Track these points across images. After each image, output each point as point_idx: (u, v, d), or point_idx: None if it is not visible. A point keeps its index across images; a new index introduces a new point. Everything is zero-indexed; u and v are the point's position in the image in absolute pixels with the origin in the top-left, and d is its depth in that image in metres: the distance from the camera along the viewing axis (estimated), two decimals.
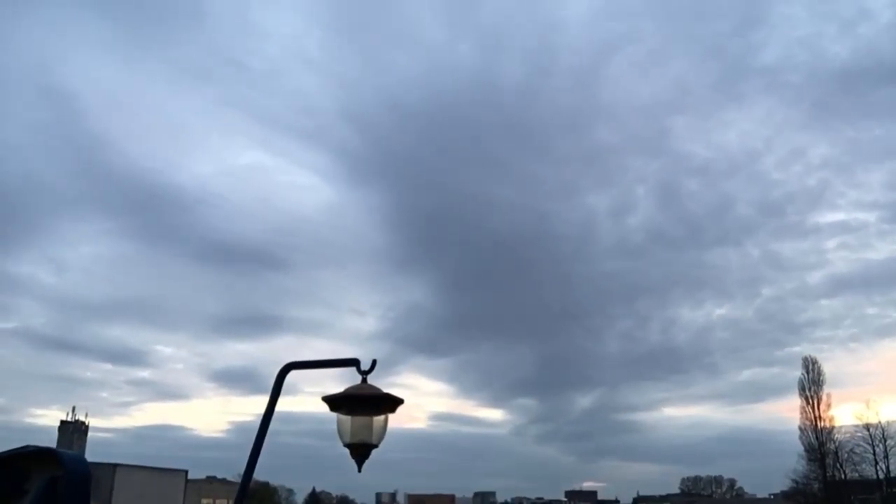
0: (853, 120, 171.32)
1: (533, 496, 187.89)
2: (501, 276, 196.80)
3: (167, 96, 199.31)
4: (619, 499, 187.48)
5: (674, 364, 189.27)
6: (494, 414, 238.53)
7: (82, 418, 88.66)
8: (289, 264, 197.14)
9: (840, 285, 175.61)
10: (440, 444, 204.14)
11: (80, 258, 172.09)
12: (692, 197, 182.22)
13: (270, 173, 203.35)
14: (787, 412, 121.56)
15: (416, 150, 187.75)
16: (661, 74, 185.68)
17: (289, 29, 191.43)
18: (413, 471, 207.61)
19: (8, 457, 3.17)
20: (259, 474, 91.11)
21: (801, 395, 69.35)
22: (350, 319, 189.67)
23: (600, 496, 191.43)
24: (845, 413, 71.35)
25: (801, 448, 68.82)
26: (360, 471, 4.69)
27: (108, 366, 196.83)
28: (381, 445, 4.78)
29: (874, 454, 65.48)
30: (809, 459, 68.43)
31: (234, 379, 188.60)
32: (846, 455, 67.12)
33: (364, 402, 4.63)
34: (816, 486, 69.49)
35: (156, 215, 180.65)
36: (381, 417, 4.71)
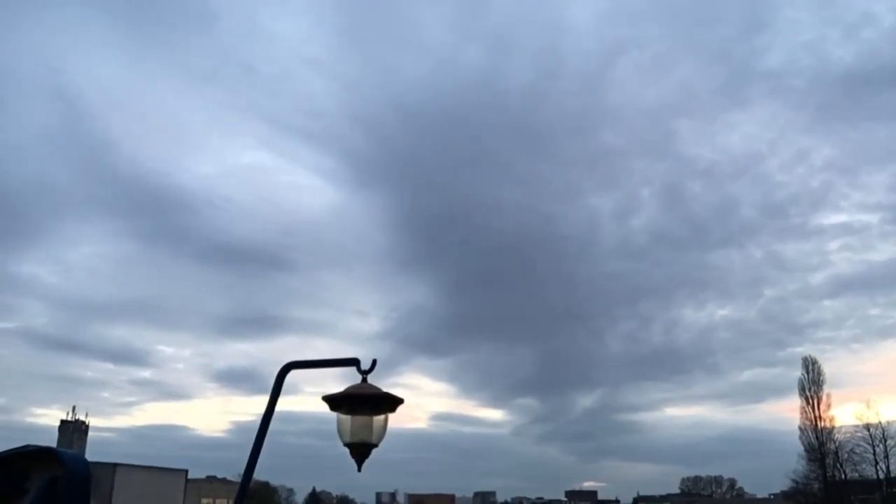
0: (856, 123, 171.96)
1: (533, 496, 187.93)
2: (504, 276, 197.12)
3: (173, 98, 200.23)
4: (619, 499, 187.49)
5: (675, 364, 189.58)
6: (495, 414, 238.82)
7: (82, 418, 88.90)
8: (293, 265, 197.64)
9: (842, 286, 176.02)
10: (441, 443, 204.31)
11: (83, 258, 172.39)
12: (696, 199, 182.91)
13: (275, 174, 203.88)
14: (787, 412, 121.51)
15: (421, 151, 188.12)
16: (667, 78, 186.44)
17: (296, 32, 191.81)
18: (413, 471, 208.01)
19: (8, 456, 3.17)
20: (259, 474, 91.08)
21: (801, 395, 69.42)
22: (353, 320, 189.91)
23: (600, 496, 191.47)
24: (846, 413, 71.41)
25: (801, 448, 68.90)
26: (359, 470, 4.69)
27: (111, 366, 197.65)
28: (381, 445, 4.78)
29: (874, 454, 65.53)
30: (809, 459, 68.45)
31: (236, 379, 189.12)
32: (846, 455, 67.17)
33: (364, 402, 4.64)
34: (816, 486, 69.48)
35: (160, 216, 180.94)
36: (381, 417, 4.71)
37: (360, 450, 4.67)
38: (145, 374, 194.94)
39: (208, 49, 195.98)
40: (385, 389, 4.68)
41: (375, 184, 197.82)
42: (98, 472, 66.08)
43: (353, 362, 4.72)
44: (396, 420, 4.97)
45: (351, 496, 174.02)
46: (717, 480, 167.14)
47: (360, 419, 4.66)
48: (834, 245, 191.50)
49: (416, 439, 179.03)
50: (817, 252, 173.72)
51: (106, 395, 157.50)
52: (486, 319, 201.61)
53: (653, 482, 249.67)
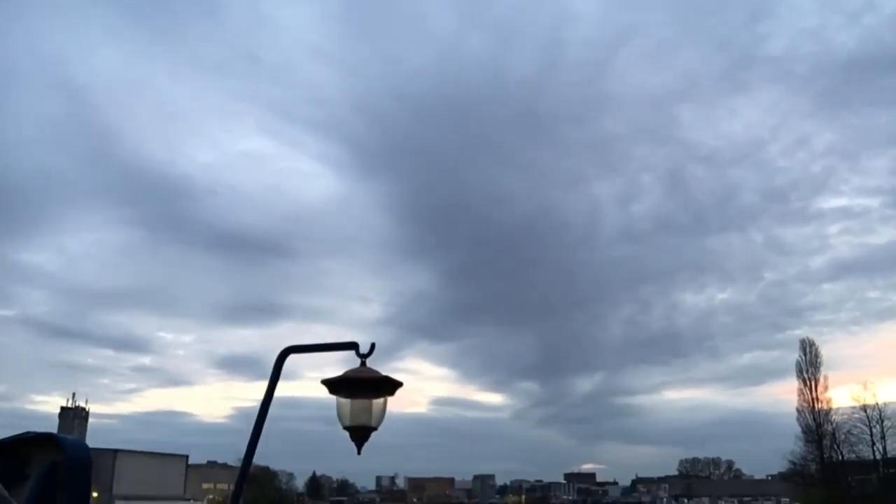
0: (858, 108, 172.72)
1: (532, 479, 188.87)
2: (507, 263, 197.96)
3: (176, 87, 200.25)
4: (617, 480, 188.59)
5: (675, 348, 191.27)
6: (496, 398, 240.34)
7: (82, 405, 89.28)
8: (295, 252, 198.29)
9: (842, 269, 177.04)
10: (441, 428, 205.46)
11: (85, 246, 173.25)
12: (698, 184, 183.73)
13: (278, 163, 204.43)
14: (785, 395, 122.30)
15: (424, 140, 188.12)
16: (670, 65, 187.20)
17: (300, 21, 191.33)
18: (414, 455, 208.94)
19: (9, 443, 3.17)
20: (260, 459, 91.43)
21: (798, 377, 69.68)
22: (355, 306, 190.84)
23: (599, 478, 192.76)
24: (843, 395, 71.71)
25: (798, 430, 69.26)
26: (359, 453, 4.71)
27: (113, 353, 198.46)
28: (381, 429, 4.80)
29: (871, 435, 65.87)
30: (807, 441, 68.81)
31: (238, 365, 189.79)
32: (843, 436, 67.53)
33: (363, 385, 4.65)
34: (814, 467, 69.89)
35: (163, 205, 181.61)
36: (381, 400, 4.73)
37: (360, 433, 4.69)
38: (147, 360, 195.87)
39: (212, 38, 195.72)
40: (387, 374, 4.69)
41: (379, 172, 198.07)
42: (99, 457, 66.32)
43: (351, 346, 4.72)
44: (396, 404, 4.99)
45: (351, 480, 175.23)
46: (715, 462, 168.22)
47: (360, 402, 4.67)
48: (834, 229, 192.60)
49: (416, 423, 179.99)
50: (817, 236, 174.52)
51: (106, 381, 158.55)
52: (487, 305, 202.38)
53: (651, 464, 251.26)
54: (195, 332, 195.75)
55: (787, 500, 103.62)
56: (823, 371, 69.21)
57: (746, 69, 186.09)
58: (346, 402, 4.70)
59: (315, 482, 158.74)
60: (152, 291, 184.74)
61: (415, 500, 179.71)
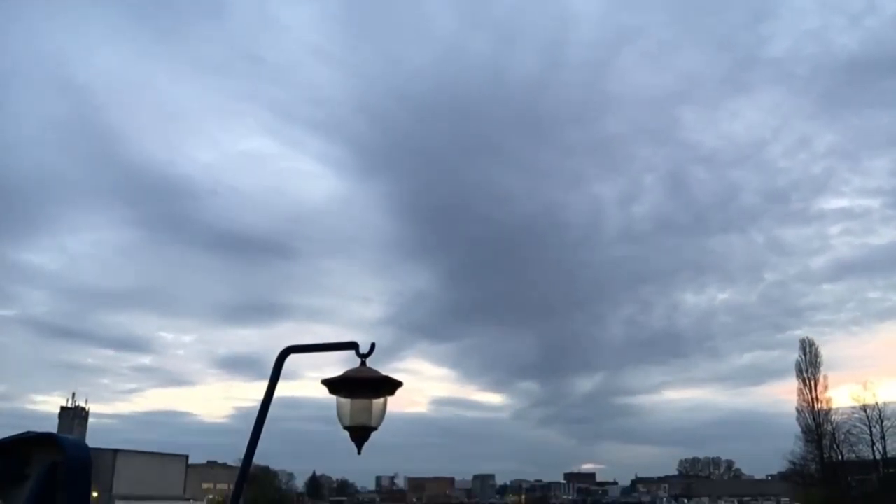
0: (859, 109, 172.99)
1: (532, 479, 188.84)
2: (507, 263, 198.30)
3: (178, 88, 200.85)
4: (617, 480, 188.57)
5: (675, 348, 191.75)
6: (496, 398, 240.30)
7: (82, 404, 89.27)
8: (296, 252, 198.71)
9: (843, 270, 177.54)
10: (441, 428, 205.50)
11: (86, 247, 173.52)
12: (699, 185, 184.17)
13: (279, 163, 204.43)
14: (785, 395, 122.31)
15: (425, 140, 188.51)
16: (672, 66, 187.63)
17: (302, 22, 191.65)
18: (414, 455, 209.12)
19: (9, 443, 3.17)
20: (260, 459, 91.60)
21: (798, 377, 69.65)
22: (356, 306, 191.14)
23: (599, 478, 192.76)
24: (843, 395, 71.68)
25: (798, 430, 69.23)
26: (359, 453, 4.71)
27: (113, 353, 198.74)
28: (381, 429, 4.81)
29: (871, 435, 65.79)
30: (807, 441, 68.77)
31: (239, 365, 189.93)
32: (843, 436, 67.49)
33: (363, 385, 4.65)
34: (813, 466, 69.86)
35: (165, 205, 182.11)
36: (381, 400, 4.73)
37: (360, 433, 4.69)
38: (147, 360, 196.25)
39: (215, 38, 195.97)
40: (387, 374, 4.69)
41: (379, 172, 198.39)
42: (99, 457, 66.32)
43: (351, 346, 4.72)
44: (397, 404, 4.99)
45: (351, 480, 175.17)
46: (715, 462, 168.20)
47: (360, 402, 4.67)
48: (835, 229, 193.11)
49: (416, 423, 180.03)
50: (818, 236, 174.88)
51: (106, 381, 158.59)
52: (488, 305, 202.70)
53: (651, 464, 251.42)
54: (196, 332, 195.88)
55: (787, 500, 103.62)
56: (823, 371, 69.27)
57: (748, 70, 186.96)
58: (346, 401, 4.70)
59: (315, 482, 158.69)
60: (153, 291, 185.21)
61: (415, 500, 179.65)
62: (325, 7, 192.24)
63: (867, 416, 66.04)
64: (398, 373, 4.82)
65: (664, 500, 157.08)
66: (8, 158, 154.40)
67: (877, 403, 66.13)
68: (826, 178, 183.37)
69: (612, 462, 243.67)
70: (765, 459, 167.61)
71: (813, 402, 68.12)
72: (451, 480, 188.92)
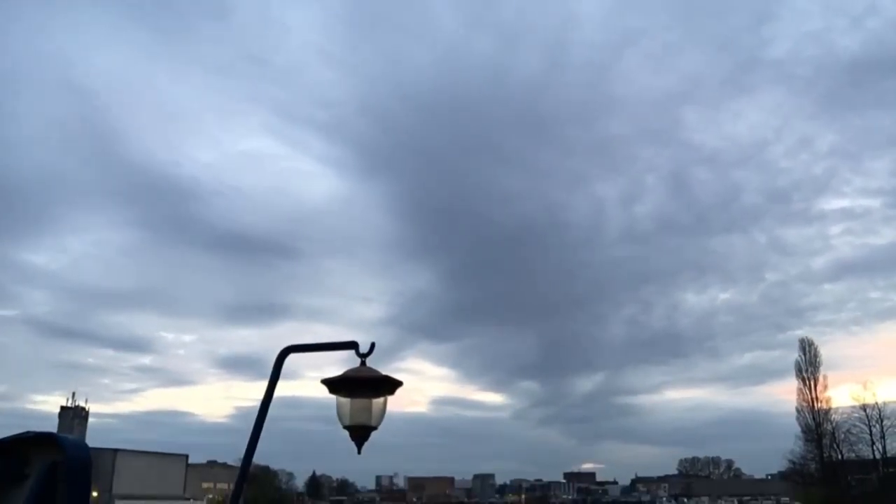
0: (860, 110, 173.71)
1: (532, 478, 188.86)
2: (509, 263, 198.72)
3: (183, 89, 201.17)
4: (617, 480, 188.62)
5: (676, 348, 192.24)
6: (496, 398, 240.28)
7: (82, 404, 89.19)
8: (299, 253, 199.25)
9: (844, 270, 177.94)
10: (441, 427, 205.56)
11: (88, 247, 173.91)
12: (701, 185, 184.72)
13: (282, 163, 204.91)
14: (785, 394, 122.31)
15: (427, 140, 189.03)
16: (674, 67, 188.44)
17: (306, 23, 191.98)
18: (414, 454, 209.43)
19: (9, 442, 3.17)
20: (261, 458, 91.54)
21: (798, 376, 69.66)
22: (358, 306, 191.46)
23: (599, 478, 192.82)
24: (843, 394, 71.66)
25: (798, 429, 69.24)
26: (359, 452, 4.71)
27: (114, 353, 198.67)
28: (381, 429, 4.80)
29: (871, 434, 65.76)
30: (806, 440, 68.78)
31: (240, 365, 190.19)
32: (843, 436, 67.47)
33: (363, 385, 4.65)
34: (813, 466, 69.86)
35: (168, 205, 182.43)
36: (381, 400, 4.73)
37: (360, 432, 4.69)
38: (149, 360, 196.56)
39: (219, 40, 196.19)
40: (386, 373, 4.69)
41: (382, 172, 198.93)
42: (99, 457, 66.33)
43: (351, 345, 4.72)
44: (397, 404, 5.00)
45: (351, 480, 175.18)
46: (715, 461, 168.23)
47: (360, 402, 4.67)
48: (836, 229, 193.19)
49: (416, 423, 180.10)
50: (819, 236, 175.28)
51: (107, 381, 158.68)
52: (489, 305, 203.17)
53: (651, 464, 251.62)
54: (196, 332, 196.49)
55: (787, 499, 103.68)
56: (823, 370, 69.28)
57: (750, 72, 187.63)
58: (345, 401, 4.70)
59: (315, 482, 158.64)
60: (154, 292, 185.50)
61: (414, 499, 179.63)
62: (327, 8, 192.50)
63: (867, 416, 66.06)
64: (399, 373, 4.82)
65: (664, 499, 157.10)
66: (10, 158, 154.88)
67: (876, 403, 66.15)
68: (827, 178, 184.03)
69: (612, 461, 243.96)
70: (764, 459, 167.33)
71: (813, 402, 68.18)
72: (451, 480, 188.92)
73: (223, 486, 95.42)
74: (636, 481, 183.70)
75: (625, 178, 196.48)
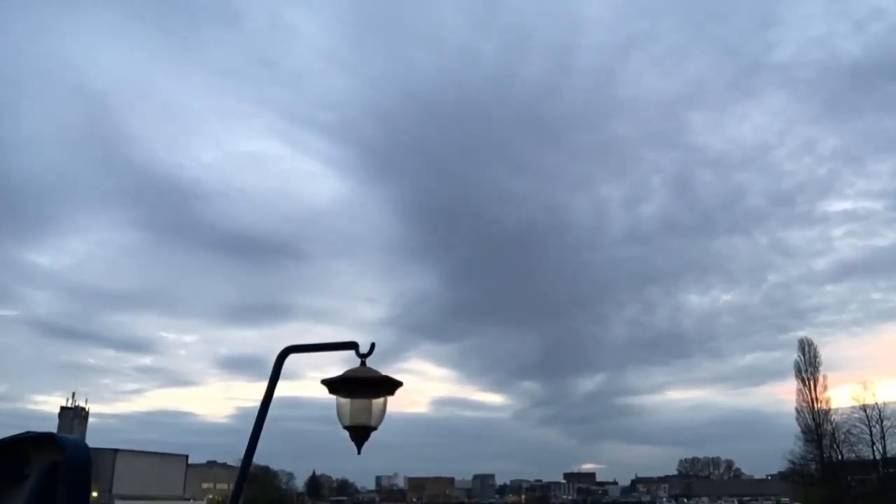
0: (864, 113, 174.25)
1: (532, 478, 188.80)
2: (512, 265, 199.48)
3: (190, 92, 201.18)
4: (617, 480, 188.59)
5: (678, 348, 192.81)
6: (496, 398, 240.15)
7: (82, 404, 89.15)
8: (303, 254, 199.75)
9: (846, 271, 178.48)
10: (441, 428, 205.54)
11: (94, 248, 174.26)
12: (705, 187, 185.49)
13: (287, 165, 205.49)
14: (786, 395, 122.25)
15: (432, 142, 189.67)
16: (680, 71, 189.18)
17: (314, 27, 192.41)
18: (414, 454, 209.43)
19: (9, 442, 3.17)
20: (261, 459, 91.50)
21: (797, 377, 69.70)
22: (361, 307, 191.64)
23: (599, 478, 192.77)
24: (844, 395, 71.67)
25: (798, 430, 69.24)
26: (359, 453, 4.71)
27: (117, 353, 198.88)
28: (381, 429, 4.80)
29: (871, 435, 65.76)
30: (806, 440, 68.78)
31: (242, 365, 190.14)
32: (843, 436, 67.47)
33: (363, 385, 4.65)
34: (813, 466, 69.85)
35: (173, 206, 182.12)
36: (381, 400, 4.72)
37: (360, 433, 4.69)
38: (150, 361, 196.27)
39: (226, 43, 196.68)
40: (388, 374, 4.69)
41: (387, 174, 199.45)
42: (99, 457, 66.33)
43: (351, 346, 4.72)
44: (397, 404, 5.00)
45: (351, 480, 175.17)
46: (715, 462, 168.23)
47: (360, 402, 4.67)
48: (838, 231, 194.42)
49: (416, 423, 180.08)
50: (822, 238, 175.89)
51: (108, 381, 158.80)
52: (491, 306, 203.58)
53: (651, 464, 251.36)
54: (199, 333, 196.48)
55: (787, 499, 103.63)
56: (823, 371, 69.31)
57: (755, 75, 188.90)
58: (345, 401, 4.70)
59: (315, 482, 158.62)
60: (156, 292, 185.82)
61: (414, 499, 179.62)
62: (335, 11, 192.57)
63: (867, 416, 66.07)
64: (401, 373, 4.83)
65: (664, 499, 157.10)
66: (13, 159, 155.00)
67: (876, 403, 66.17)
68: (830, 180, 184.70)
69: (612, 462, 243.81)
70: (765, 459, 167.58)
71: (812, 402, 68.20)
72: (451, 480, 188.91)
73: (223, 486, 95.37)
74: (636, 481, 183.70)
75: (629, 180, 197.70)
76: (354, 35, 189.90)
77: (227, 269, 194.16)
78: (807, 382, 68.75)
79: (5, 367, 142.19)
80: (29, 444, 3.12)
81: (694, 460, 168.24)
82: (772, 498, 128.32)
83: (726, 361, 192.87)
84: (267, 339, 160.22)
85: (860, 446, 66.73)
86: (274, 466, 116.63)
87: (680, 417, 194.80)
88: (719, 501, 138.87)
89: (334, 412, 4.74)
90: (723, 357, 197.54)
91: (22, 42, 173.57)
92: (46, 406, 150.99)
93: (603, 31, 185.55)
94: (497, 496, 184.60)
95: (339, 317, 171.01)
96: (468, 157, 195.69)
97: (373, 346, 4.72)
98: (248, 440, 4.74)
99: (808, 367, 69.35)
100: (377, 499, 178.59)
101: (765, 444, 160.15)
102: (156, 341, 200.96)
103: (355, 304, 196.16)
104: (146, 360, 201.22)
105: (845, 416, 67.71)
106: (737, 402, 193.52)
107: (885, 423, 65.45)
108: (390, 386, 4.72)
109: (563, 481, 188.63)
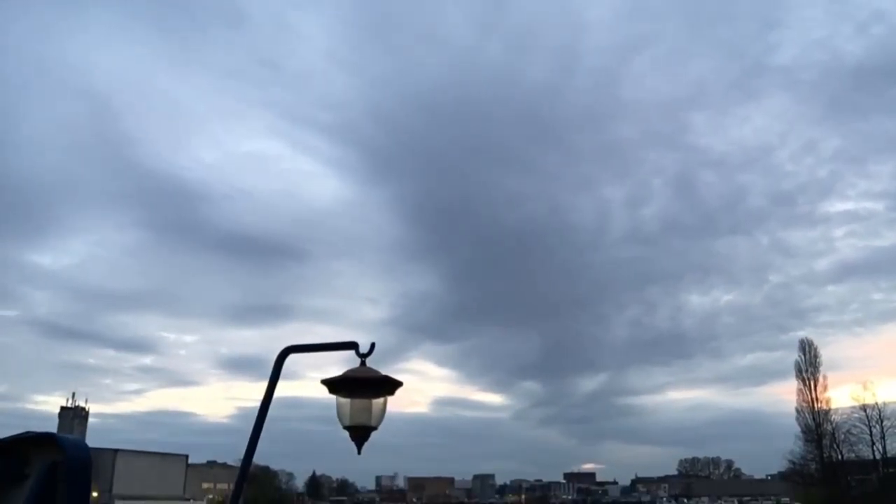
0: (865, 114, 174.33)
1: (532, 478, 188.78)
2: (514, 265, 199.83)
3: (188, 91, 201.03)
4: (617, 480, 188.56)
5: (679, 348, 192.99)
6: (497, 398, 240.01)
7: (82, 404, 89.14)
8: (305, 254, 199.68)
9: (847, 272, 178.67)
10: (441, 427, 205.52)
11: (96, 248, 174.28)
12: (707, 188, 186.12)
13: (289, 165, 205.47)
14: (786, 395, 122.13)
15: (434, 143, 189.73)
16: (682, 72, 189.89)
17: (317, 28, 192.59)
18: (414, 454, 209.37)
19: (9, 442, 3.17)
20: (261, 459, 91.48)
21: (797, 377, 69.70)
22: (363, 308, 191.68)
23: (599, 478, 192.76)
24: (844, 395, 71.65)
25: (798, 430, 69.24)
26: (359, 453, 4.71)
27: (117, 353, 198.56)
28: (381, 429, 4.80)
29: (871, 435, 65.75)
30: (806, 440, 68.77)
31: (243, 365, 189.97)
32: (843, 436, 67.46)
33: (363, 385, 4.64)
34: (813, 466, 69.85)
35: (176, 207, 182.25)
36: (381, 400, 4.72)
37: (360, 432, 4.69)
38: (150, 361, 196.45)
39: (230, 43, 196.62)
40: (389, 374, 4.69)
41: (389, 175, 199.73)
42: (99, 457, 66.33)
43: (351, 346, 4.72)
44: (397, 404, 5.00)
45: (351, 480, 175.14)
46: (715, 462, 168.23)
47: (360, 402, 4.67)
48: (840, 232, 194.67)
49: (416, 423, 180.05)
50: (823, 239, 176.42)
51: (109, 381, 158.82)
52: (492, 306, 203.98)
53: (651, 464, 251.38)
54: (199, 333, 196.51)
55: (787, 499, 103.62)
56: (824, 371, 69.32)
57: (757, 77, 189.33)
58: (345, 401, 4.70)
59: (315, 482, 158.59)
60: (158, 293, 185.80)
61: (414, 499, 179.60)
62: (336, 12, 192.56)
63: (867, 416, 66.06)
64: (402, 373, 4.83)
65: (664, 499, 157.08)
66: (15, 159, 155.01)
67: (877, 403, 66.15)
68: (832, 181, 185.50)
69: (612, 462, 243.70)
70: (765, 459, 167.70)
71: (812, 402, 68.20)
72: (451, 480, 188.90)
73: (223, 486, 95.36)
74: (636, 481, 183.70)
75: (631, 181, 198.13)
76: (356, 35, 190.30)
77: (228, 270, 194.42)
78: (807, 382, 68.83)
79: (5, 367, 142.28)
80: (29, 444, 3.12)
81: (694, 460, 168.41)
82: (772, 498, 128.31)
83: (727, 361, 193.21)
84: (268, 340, 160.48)
85: (860, 446, 66.80)
86: (274, 466, 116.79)
87: (680, 417, 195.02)
88: (719, 501, 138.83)
89: (334, 412, 4.74)
90: (723, 357, 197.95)
91: (25, 43, 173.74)
92: (46, 406, 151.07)
93: (606, 32, 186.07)
94: (497, 496, 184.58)
95: (341, 317, 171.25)
96: (470, 157, 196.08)
97: (373, 346, 4.72)
98: (248, 440, 4.74)
99: (808, 367, 69.44)
100: (377, 499, 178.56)
101: (765, 444, 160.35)
102: (156, 341, 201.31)
103: (357, 305, 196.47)
104: (147, 360, 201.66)
105: (845, 416, 67.79)
106: (737, 402, 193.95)
107: (885, 423, 65.50)
108: (390, 386, 4.72)
109: (563, 481, 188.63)
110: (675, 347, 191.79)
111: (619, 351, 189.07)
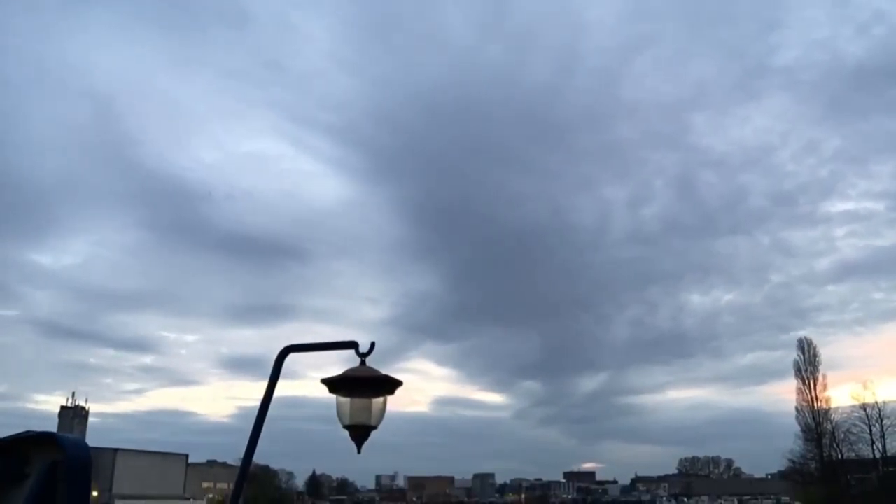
0: (866, 115, 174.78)
1: (532, 478, 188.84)
2: (515, 265, 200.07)
3: (190, 91, 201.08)
4: (617, 479, 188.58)
5: (680, 348, 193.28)
6: (497, 398, 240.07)
7: (82, 404, 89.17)
8: (306, 254, 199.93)
9: (847, 271, 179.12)
10: (441, 427, 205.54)
11: (96, 248, 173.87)
12: (708, 188, 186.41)
13: (290, 165, 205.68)
14: (786, 394, 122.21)
15: (436, 144, 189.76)
16: (683, 73, 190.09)
17: (320, 30, 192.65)
18: (414, 454, 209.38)
19: (9, 442, 3.17)
20: (261, 458, 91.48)
21: (797, 376, 69.76)
22: (364, 307, 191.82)
23: (599, 477, 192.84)
24: (844, 394, 71.68)
25: (798, 429, 69.28)
26: (359, 452, 4.71)
27: (118, 353, 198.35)
28: (381, 428, 4.80)
29: (871, 434, 65.79)
30: (806, 440, 68.83)
31: (243, 365, 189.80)
32: (843, 435, 67.50)
33: (363, 384, 4.65)
34: (813, 465, 69.89)
35: (177, 207, 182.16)
36: (380, 399, 4.72)
37: (360, 432, 4.69)
38: (151, 360, 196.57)
39: (233, 44, 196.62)
40: (389, 374, 4.69)
41: (390, 175, 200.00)
42: (99, 457, 66.34)
43: (351, 345, 4.71)
44: (397, 404, 5.00)
45: (351, 479, 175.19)
46: (715, 461, 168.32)
47: (359, 401, 4.67)
48: (840, 232, 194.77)
49: (416, 423, 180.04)
50: (824, 238, 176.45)
51: (109, 381, 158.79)
52: (493, 306, 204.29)
53: (651, 463, 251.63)
54: (200, 332, 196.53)
55: (787, 498, 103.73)
56: (824, 370, 69.39)
57: (758, 78, 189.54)
58: (345, 401, 4.70)
59: (315, 481, 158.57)
60: (159, 292, 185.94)
61: (414, 499, 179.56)
62: (339, 13, 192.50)
63: (867, 415, 66.08)
64: (403, 373, 4.84)
65: (664, 498, 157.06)
66: (15, 159, 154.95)
67: (876, 402, 66.19)
68: (833, 181, 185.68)
69: (612, 461, 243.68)
70: (764, 458, 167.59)
71: (812, 402, 68.25)
72: (451, 479, 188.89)
73: (223, 485, 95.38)
74: (636, 481, 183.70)
75: (632, 181, 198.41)
76: (358, 36, 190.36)
77: (228, 269, 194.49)
78: (807, 382, 68.89)
79: (6, 367, 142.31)
80: (29, 443, 3.12)
81: (694, 459, 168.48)
82: (772, 497, 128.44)
83: (727, 361, 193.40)
84: (268, 339, 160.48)
85: (860, 445, 66.84)
86: (274, 466, 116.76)
87: (680, 417, 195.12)
88: (719, 500, 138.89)
89: (334, 412, 4.74)
90: (724, 357, 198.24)
91: (28, 44, 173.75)
92: (47, 405, 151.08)
93: (606, 33, 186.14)
94: (497, 495, 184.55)
95: (342, 317, 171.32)
96: (471, 157, 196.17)
97: (373, 345, 4.72)
98: (248, 440, 4.74)
99: (807, 366, 69.51)
100: (377, 498, 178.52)
101: (765, 443, 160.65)
102: (157, 341, 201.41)
103: (358, 305, 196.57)
104: (147, 360, 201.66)
105: (845, 415, 67.84)
106: (737, 401, 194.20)
107: (884, 422, 65.53)
108: (390, 385, 4.72)
109: (563, 480, 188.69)
110: (676, 347, 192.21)
111: (619, 351, 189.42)
